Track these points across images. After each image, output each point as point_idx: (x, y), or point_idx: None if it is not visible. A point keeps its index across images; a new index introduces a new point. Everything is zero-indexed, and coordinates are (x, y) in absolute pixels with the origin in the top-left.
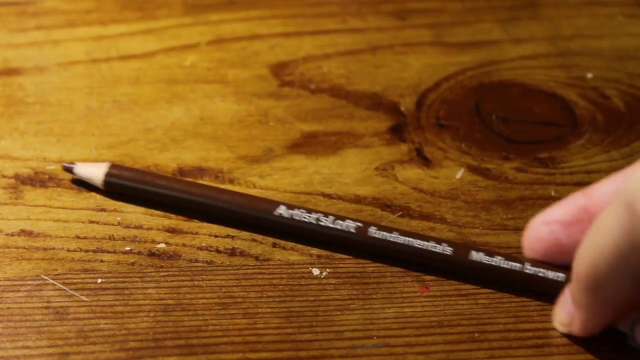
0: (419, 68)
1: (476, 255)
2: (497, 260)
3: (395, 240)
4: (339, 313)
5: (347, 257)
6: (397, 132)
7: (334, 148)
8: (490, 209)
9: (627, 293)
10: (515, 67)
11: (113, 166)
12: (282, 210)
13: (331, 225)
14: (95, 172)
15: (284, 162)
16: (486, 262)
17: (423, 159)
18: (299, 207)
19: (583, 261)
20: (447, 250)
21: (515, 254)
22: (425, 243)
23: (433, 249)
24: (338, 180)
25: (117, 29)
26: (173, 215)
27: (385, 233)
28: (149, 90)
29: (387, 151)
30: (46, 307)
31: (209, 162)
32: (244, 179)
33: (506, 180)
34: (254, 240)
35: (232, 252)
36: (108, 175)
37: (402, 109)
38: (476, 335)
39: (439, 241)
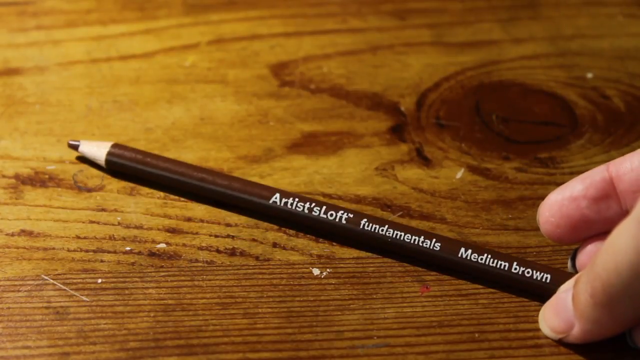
0: (419, 68)
1: (465, 253)
2: (485, 258)
3: (386, 234)
4: (339, 313)
5: (348, 257)
6: (397, 132)
7: (334, 148)
8: (490, 209)
9: (633, 310)
10: (516, 67)
11: (115, 145)
12: (276, 198)
13: (323, 215)
14: (98, 151)
15: (284, 162)
16: (474, 259)
17: (423, 159)
18: (294, 196)
19: (599, 278)
20: (436, 245)
21: (512, 254)
22: (415, 237)
23: (422, 244)
24: (338, 180)
25: (117, 29)
26: (173, 215)
27: (376, 226)
28: (149, 90)
29: (387, 151)
30: (46, 307)
31: (209, 162)
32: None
33: (506, 180)
34: (254, 240)
35: (233, 252)
36: (110, 154)
37: (402, 109)
38: (476, 335)
39: (429, 236)
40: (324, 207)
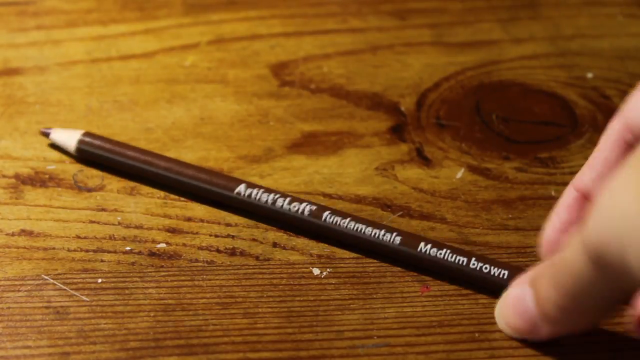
0: (419, 68)
1: (424, 247)
2: (444, 253)
3: (347, 226)
4: (339, 313)
5: (348, 257)
6: (398, 132)
7: (334, 148)
8: (490, 209)
9: (603, 312)
10: (516, 67)
11: (86, 134)
12: (241, 189)
13: (286, 206)
14: (68, 138)
15: (284, 162)
16: (432, 254)
17: (423, 159)
18: (259, 187)
19: (557, 291)
20: (396, 239)
21: (512, 254)
22: (376, 231)
23: (382, 237)
24: (338, 180)
25: (117, 29)
26: (173, 215)
27: (338, 218)
28: (149, 90)
29: (387, 151)
30: (46, 307)
31: (209, 162)
32: (244, 179)
33: (506, 180)
34: (254, 240)
35: (233, 252)
36: (80, 142)
37: (403, 108)
38: (476, 335)
39: (390, 230)
40: (288, 199)
